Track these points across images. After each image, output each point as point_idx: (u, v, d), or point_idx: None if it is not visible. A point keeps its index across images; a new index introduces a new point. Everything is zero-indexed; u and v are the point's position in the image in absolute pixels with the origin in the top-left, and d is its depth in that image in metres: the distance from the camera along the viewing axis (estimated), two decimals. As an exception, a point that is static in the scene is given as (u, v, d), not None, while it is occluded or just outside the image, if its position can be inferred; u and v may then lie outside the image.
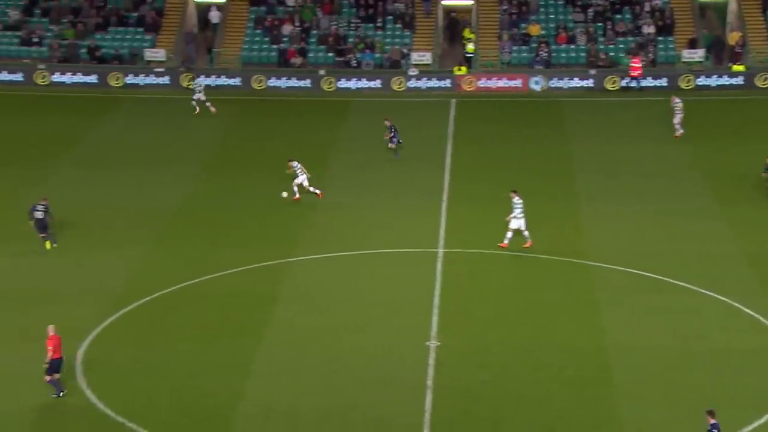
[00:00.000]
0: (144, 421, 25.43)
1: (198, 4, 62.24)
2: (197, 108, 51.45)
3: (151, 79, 57.19)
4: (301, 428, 25.65)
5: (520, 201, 35.50)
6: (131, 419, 25.50)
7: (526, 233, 35.66)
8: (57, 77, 56.80)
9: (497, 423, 25.99)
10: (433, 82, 57.18)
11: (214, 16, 61.52)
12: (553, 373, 28.15)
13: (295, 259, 35.28)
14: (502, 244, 35.69)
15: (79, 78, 56.94)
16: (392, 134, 44.89)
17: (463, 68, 57.91)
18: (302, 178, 40.11)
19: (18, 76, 56.62)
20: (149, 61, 58.70)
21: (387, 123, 45.25)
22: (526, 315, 31.58)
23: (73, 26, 59.61)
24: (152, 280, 33.38)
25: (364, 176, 43.71)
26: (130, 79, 57.01)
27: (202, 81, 53.14)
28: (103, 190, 41.62)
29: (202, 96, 51.45)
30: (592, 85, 56.88)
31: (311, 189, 40.27)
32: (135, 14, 60.76)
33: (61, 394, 26.36)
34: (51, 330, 26.35)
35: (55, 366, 26.19)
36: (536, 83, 51.07)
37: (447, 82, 57.18)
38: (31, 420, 25.57)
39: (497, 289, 33.38)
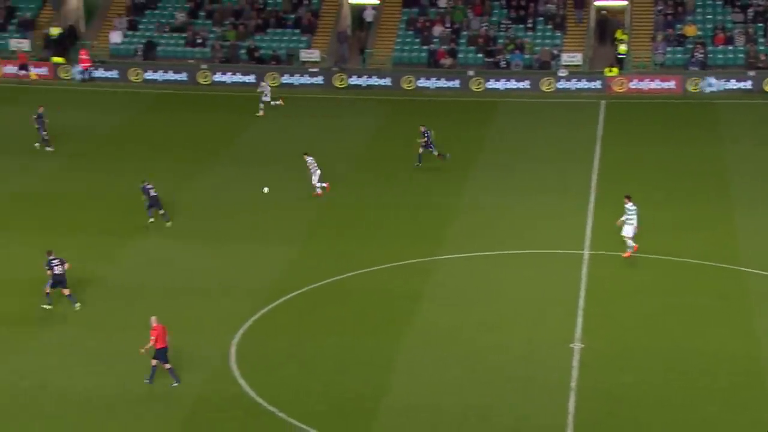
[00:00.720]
0: (293, 412, 26.40)
1: (353, 6, 63.57)
2: (262, 110, 52.64)
3: (306, 79, 58.78)
4: (442, 425, 26.17)
5: (634, 207, 34.91)
6: (281, 409, 26.53)
7: (630, 242, 34.99)
8: (218, 77, 59.04)
9: (641, 426, 25.92)
10: (583, 83, 56.78)
11: (369, 14, 62.73)
12: (700, 378, 27.86)
13: (439, 257, 35.84)
14: (626, 254, 35.20)
15: (238, 78, 59.02)
16: (426, 140, 44.41)
17: (615, 69, 57.28)
18: (317, 175, 40.81)
19: (182, 76, 59.11)
20: (304, 62, 60.34)
21: (422, 129, 44.76)
22: (673, 319, 31.25)
23: (234, 28, 61.80)
24: (301, 275, 34.50)
25: (510, 176, 43.90)
26: (285, 78, 58.74)
27: (267, 84, 54.31)
28: (258, 186, 43.11)
29: (267, 98, 52.86)
30: (750, 87, 55.39)
31: (318, 184, 40.92)
32: (292, 16, 62.53)
33: (148, 381, 27.36)
34: (154, 321, 27.50)
35: (158, 354, 27.36)
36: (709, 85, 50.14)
37: (597, 83, 56.68)
38: (189, 405, 26.90)
39: (644, 292, 33.10)
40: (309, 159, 41.32)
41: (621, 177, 43.26)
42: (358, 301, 32.82)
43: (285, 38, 61.67)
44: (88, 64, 58.20)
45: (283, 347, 29.87)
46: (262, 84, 54.27)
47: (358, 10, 63.52)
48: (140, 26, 62.37)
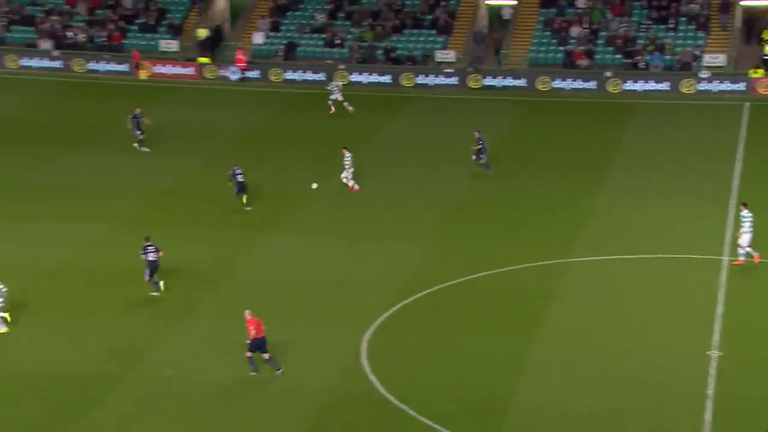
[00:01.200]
0: (422, 410, 26.59)
1: (490, 6, 63.48)
2: (332, 108, 52.76)
3: (441, 80, 59.00)
4: (572, 427, 25.97)
5: (750, 215, 33.91)
6: (411, 407, 26.77)
7: (748, 249, 33.97)
8: (355, 77, 59.81)
9: (777, 439, 25.20)
10: (726, 85, 55.26)
11: (507, 12, 62.59)
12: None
13: (572, 260, 35.52)
14: (736, 262, 34.21)
15: (374, 78, 59.68)
16: (480, 146, 43.64)
17: (760, 71, 55.54)
18: (350, 171, 41.12)
19: (320, 76, 60.10)
20: (440, 62, 60.57)
21: (476, 134, 44.01)
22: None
23: (372, 29, 62.53)
24: (433, 273, 34.71)
25: (648, 178, 43.14)
26: (420, 79, 59.10)
27: (339, 82, 54.50)
28: (393, 185, 43.57)
29: (339, 96, 52.81)
30: None
31: (350, 182, 41.14)
32: (429, 17, 62.87)
33: (252, 373, 27.97)
34: (248, 314, 28.03)
35: (255, 345, 27.87)
36: None
37: (741, 85, 55.08)
38: (322, 399, 27.42)
39: (784, 301, 32.12)
40: (347, 155, 41.48)
41: (765, 181, 41.96)
42: (488, 300, 32.84)
43: (421, 39, 62.03)
44: (244, 65, 59.72)
45: (413, 345, 30.13)
46: (332, 83, 54.64)
47: (495, 11, 63.41)
48: (282, 27, 63.73)
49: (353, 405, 27.10)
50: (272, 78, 60.15)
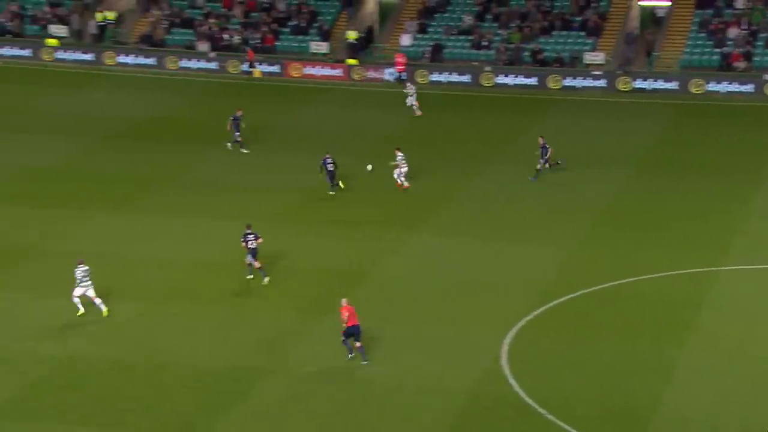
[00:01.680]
0: (562, 415, 26.19)
1: (643, 7, 62.13)
2: (418, 111, 52.93)
3: (588, 82, 58.06)
4: (719, 440, 25.15)
5: None
6: (550, 412, 26.39)
7: None
8: (501, 79, 59.46)
9: None
10: None
11: (661, 10, 61.16)
12: None
13: (724, 267, 34.37)
14: None
15: (520, 80, 59.19)
16: (543, 153, 42.55)
17: None
18: (402, 170, 41.77)
19: (466, 78, 59.99)
20: (588, 64, 59.60)
21: (541, 141, 42.85)
22: None
23: (519, 30, 62.06)
24: (577, 277, 34.18)
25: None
26: (568, 81, 58.29)
27: (412, 86, 54.11)
28: (536, 186, 43.11)
29: (413, 100, 52.78)
30: None
31: (400, 178, 41.78)
32: (579, 18, 61.97)
33: (350, 356, 28.72)
34: (344, 302, 28.72)
35: (349, 332, 28.46)
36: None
37: None
38: (462, 400, 27.33)
39: None
40: (399, 155, 41.93)
41: None
42: (634, 306, 32.09)
43: (570, 40, 61.19)
44: (403, 67, 60.17)
45: (555, 350, 29.72)
46: (408, 85, 54.45)
47: (648, 11, 61.99)
48: (429, 29, 63.93)
49: (492, 408, 26.91)
50: (418, 79, 60.35)
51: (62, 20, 66.09)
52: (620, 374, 28.24)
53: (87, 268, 30.85)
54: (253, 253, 33.54)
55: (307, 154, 46.30)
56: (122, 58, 63.45)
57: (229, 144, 47.57)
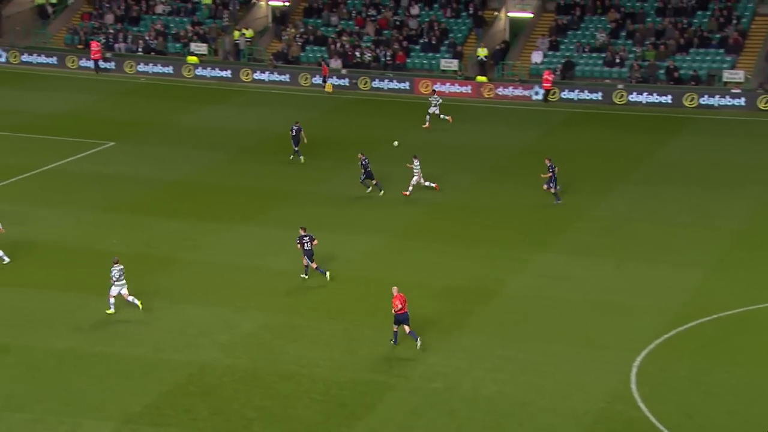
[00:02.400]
0: (693, 441, 25.60)
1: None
2: (428, 122, 53.40)
3: (726, 101, 56.56)
4: None
5: None
6: (680, 436, 25.83)
7: None
8: (634, 97, 58.49)
9: None
10: None
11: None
12: None
13: None
14: None
15: (654, 98, 58.10)
16: (551, 175, 41.60)
17: None
18: (415, 179, 42.98)
19: (598, 95, 59.26)
20: (726, 82, 58.05)
21: (547, 162, 41.87)
22: None
23: (654, 48, 60.93)
24: (711, 300, 33.25)
25: None
26: (704, 100, 56.91)
27: (438, 98, 54.28)
28: (667, 206, 42.18)
29: (437, 110, 53.00)
30: None
31: (426, 184, 43.44)
32: (718, 35, 60.45)
33: (393, 342, 30.45)
34: (395, 290, 30.17)
35: (398, 319, 30.20)
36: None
37: None
38: (589, 423, 26.83)
39: None
40: (416, 162, 43.25)
41: None
42: (771, 333, 31.04)
43: (708, 58, 59.76)
44: (549, 85, 59.84)
45: (686, 374, 28.93)
46: (433, 95, 54.38)
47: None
48: (561, 46, 63.40)
49: (618, 429, 26.35)
50: (549, 97, 59.89)
51: (202, 38, 68.20)
52: (755, 401, 27.30)
53: (122, 267, 32.16)
54: (309, 254, 34.80)
55: (434, 169, 46.47)
56: (258, 75, 65.01)
57: (295, 156, 48.42)
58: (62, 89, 62.31)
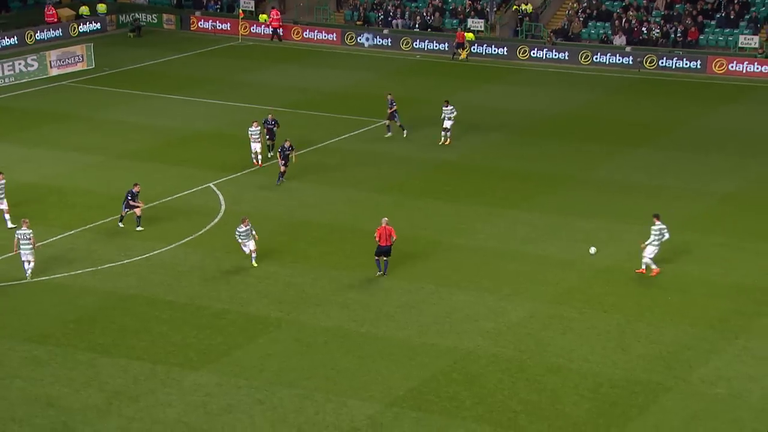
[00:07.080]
0: None
1: None
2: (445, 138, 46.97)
3: None
4: None
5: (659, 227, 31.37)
6: None
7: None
8: None
9: None
10: None
11: None
12: None
13: None
14: (639, 270, 32.08)
15: None
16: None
17: None
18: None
19: None
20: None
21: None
22: None
23: None
24: None
25: None
26: None
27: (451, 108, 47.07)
28: None
29: (450, 123, 46.43)
30: None
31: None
32: None
33: (378, 273, 32.96)
34: (384, 221, 32.65)
35: (379, 250, 32.73)
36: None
37: None
38: None
39: None
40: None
41: None
42: None
43: None
44: None
45: None
46: (447, 106, 46.84)
47: None
48: None
49: None
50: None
51: (479, 14, 67.28)
52: None
53: (249, 227, 33.64)
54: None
55: (725, 156, 43.50)
56: (535, 53, 63.35)
57: (404, 132, 47.63)
58: (339, 66, 63.40)
